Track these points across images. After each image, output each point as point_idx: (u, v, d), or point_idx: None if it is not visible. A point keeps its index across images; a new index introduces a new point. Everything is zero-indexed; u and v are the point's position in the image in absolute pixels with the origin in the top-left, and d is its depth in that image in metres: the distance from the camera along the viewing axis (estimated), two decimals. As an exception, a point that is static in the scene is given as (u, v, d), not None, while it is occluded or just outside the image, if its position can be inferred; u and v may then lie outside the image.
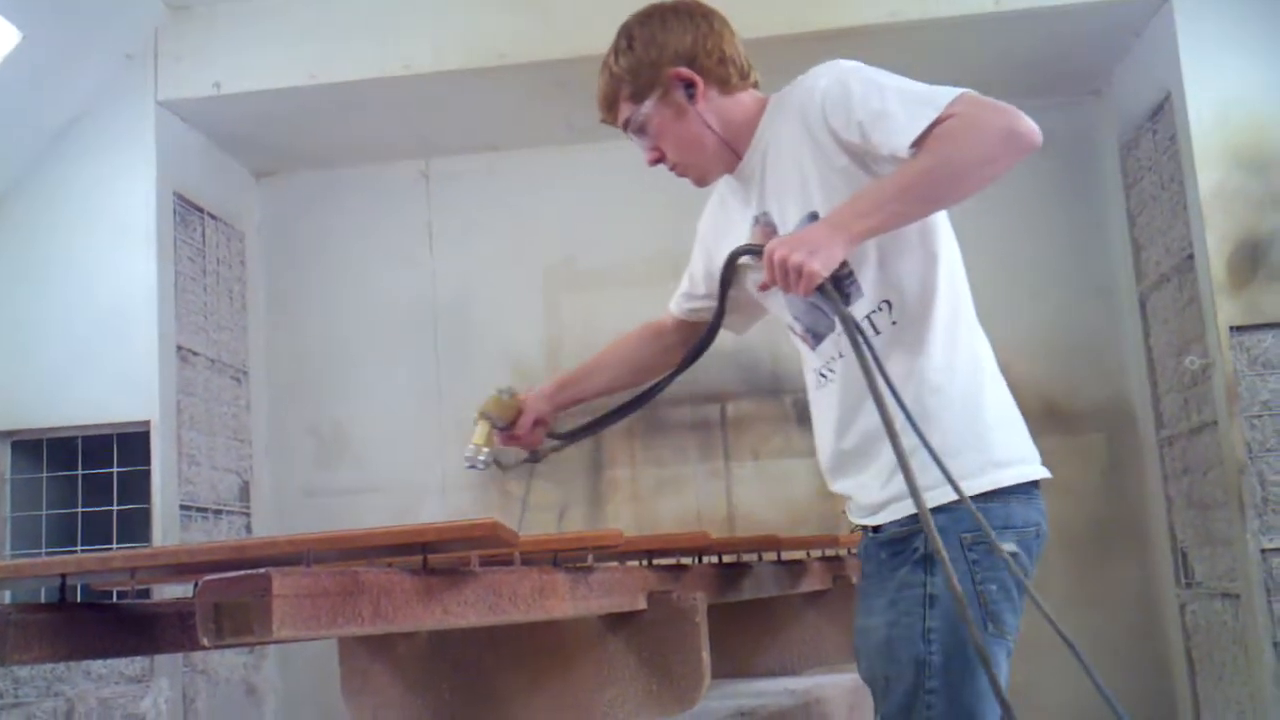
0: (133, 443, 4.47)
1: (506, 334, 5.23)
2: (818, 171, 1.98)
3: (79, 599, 2.16)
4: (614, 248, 5.21)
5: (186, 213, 4.83)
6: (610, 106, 2.17)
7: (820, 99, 1.96)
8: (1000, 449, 1.97)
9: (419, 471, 5.19)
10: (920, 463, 1.84)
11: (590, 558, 2.23)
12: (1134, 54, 4.69)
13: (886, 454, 1.91)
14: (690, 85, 2.08)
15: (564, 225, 5.27)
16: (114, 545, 4.48)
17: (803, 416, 5.19)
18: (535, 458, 2.49)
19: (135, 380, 4.42)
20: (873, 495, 2.00)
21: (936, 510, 1.83)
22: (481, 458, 2.34)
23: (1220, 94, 4.26)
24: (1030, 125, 1.84)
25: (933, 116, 1.83)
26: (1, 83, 4.18)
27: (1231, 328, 4.14)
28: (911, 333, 1.98)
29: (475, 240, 5.37)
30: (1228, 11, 4.30)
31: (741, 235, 2.12)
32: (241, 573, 1.55)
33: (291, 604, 1.56)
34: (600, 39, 4.45)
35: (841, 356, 2.03)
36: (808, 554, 3.23)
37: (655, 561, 2.63)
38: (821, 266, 1.79)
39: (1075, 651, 1.76)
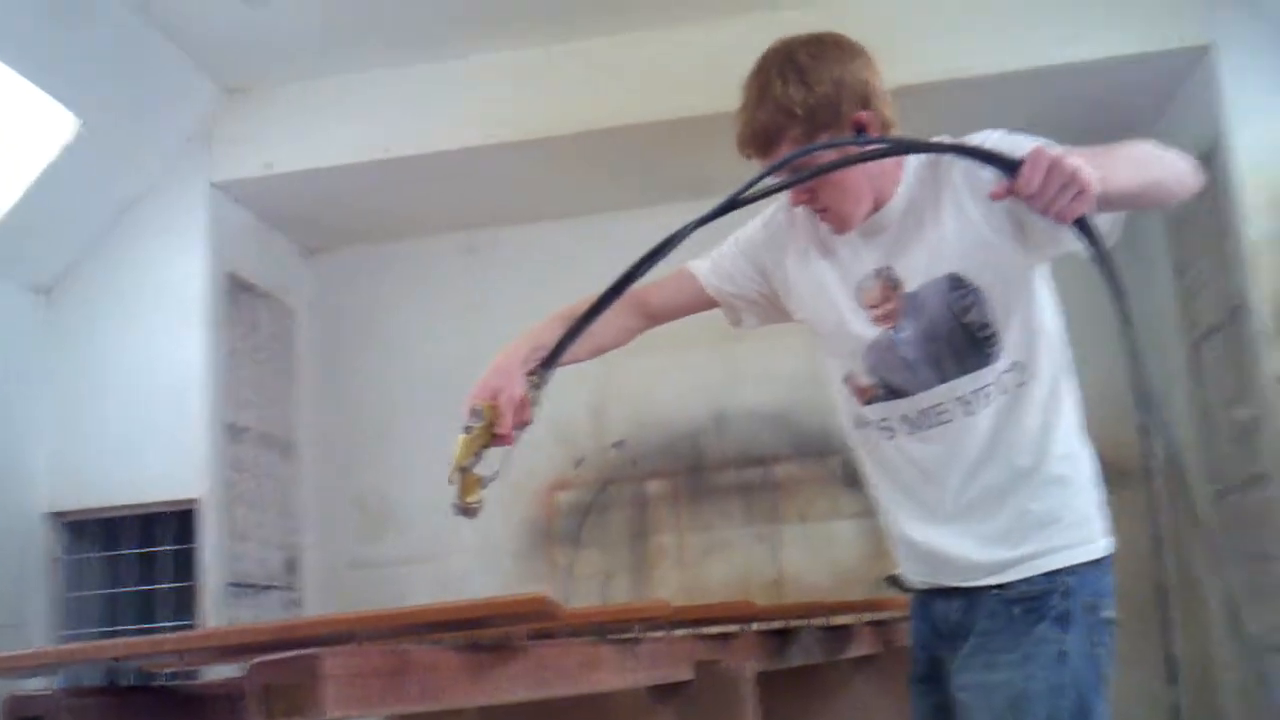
0: (182, 521, 4.52)
1: (550, 403, 5.22)
2: (960, 238, 1.94)
3: (130, 681, 2.18)
4: (662, 313, 5.23)
5: (238, 292, 4.91)
6: (771, 142, 1.97)
7: (993, 171, 1.85)
8: (1102, 518, 2.02)
9: (464, 542, 5.19)
10: (1058, 524, 1.94)
11: (637, 629, 2.23)
12: (1178, 104, 4.68)
13: (1006, 512, 1.96)
14: (863, 129, 1.95)
15: (608, 293, 5.30)
16: (163, 624, 4.51)
17: (850, 478, 5.22)
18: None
19: (185, 459, 4.48)
20: (995, 554, 1.97)
21: (1067, 572, 1.91)
22: (478, 505, 1.96)
23: (1266, 142, 4.23)
24: None
25: None
26: (60, 170, 4.29)
27: (1280, 379, 4.09)
28: (1040, 397, 1.98)
29: (523, 310, 5.34)
30: (1272, 60, 4.29)
31: (850, 286, 2.06)
32: (291, 653, 1.57)
33: (342, 684, 1.57)
34: (646, 109, 4.60)
35: (970, 403, 1.97)
36: (856, 618, 3.21)
37: (702, 630, 2.63)
38: (1096, 189, 1.64)
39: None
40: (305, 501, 5.31)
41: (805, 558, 5.00)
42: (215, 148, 4.77)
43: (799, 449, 5.09)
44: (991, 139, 1.88)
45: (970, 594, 2.01)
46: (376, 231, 5.47)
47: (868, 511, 4.78)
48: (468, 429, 1.95)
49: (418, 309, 5.51)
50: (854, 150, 1.92)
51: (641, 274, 1.93)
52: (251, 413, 4.91)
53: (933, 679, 2.09)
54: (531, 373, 2.04)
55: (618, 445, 5.22)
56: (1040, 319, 1.99)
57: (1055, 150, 1.66)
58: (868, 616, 3.21)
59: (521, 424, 2.02)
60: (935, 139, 1.90)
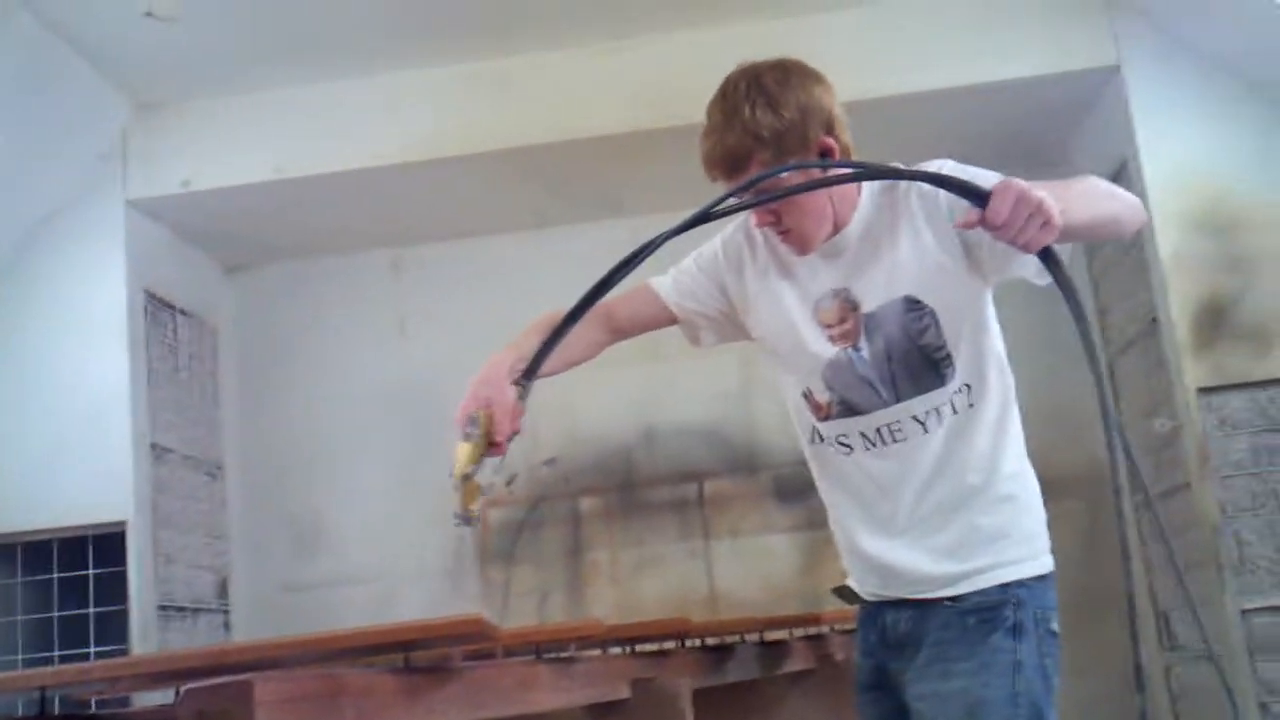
0: (108, 544, 4.43)
1: (480, 420, 5.21)
2: (917, 261, 2.00)
3: (57, 709, 2.13)
4: (585, 330, 5.24)
5: (157, 310, 4.83)
6: (738, 166, 1.99)
7: (945, 192, 1.94)
8: (1046, 535, 2.09)
9: (398, 560, 5.16)
10: (1007, 539, 2.01)
11: (573, 648, 2.23)
12: (1087, 125, 4.78)
13: (956, 527, 2.02)
14: (828, 154, 2.01)
15: (534, 308, 5.25)
16: (92, 648, 4.42)
17: (781, 493, 5.27)
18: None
19: (109, 481, 4.39)
20: (946, 568, 2.03)
21: (1018, 585, 1.99)
22: (479, 513, 1.98)
23: (1174, 160, 4.35)
24: None
25: None
26: (-29, 187, 4.20)
27: (1199, 389, 4.19)
28: (990, 418, 2.05)
29: (447, 327, 5.38)
30: (1178, 80, 4.40)
31: (808, 306, 2.10)
32: (223, 679, 1.55)
33: (274, 710, 1.55)
34: (561, 126, 4.61)
35: (925, 422, 2.03)
36: (790, 634, 3.23)
37: (638, 648, 2.63)
38: (1060, 221, 1.71)
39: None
40: (234, 523, 5.24)
41: (738, 573, 5.03)
42: (130, 164, 4.70)
43: (729, 465, 5.12)
44: (946, 168, 1.94)
45: (920, 605, 2.07)
46: (299, 248, 5.41)
47: (799, 526, 4.92)
48: (467, 436, 1.94)
49: (343, 326, 5.46)
50: (821, 174, 1.96)
51: (615, 283, 1.94)
52: (175, 434, 4.84)
53: (879, 687, 2.14)
54: (515, 383, 2.03)
55: (549, 462, 5.22)
56: (989, 342, 2.06)
57: (1021, 182, 1.71)
58: (801, 631, 3.23)
59: (513, 433, 2.02)
60: (892, 164, 1.94)
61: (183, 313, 5.05)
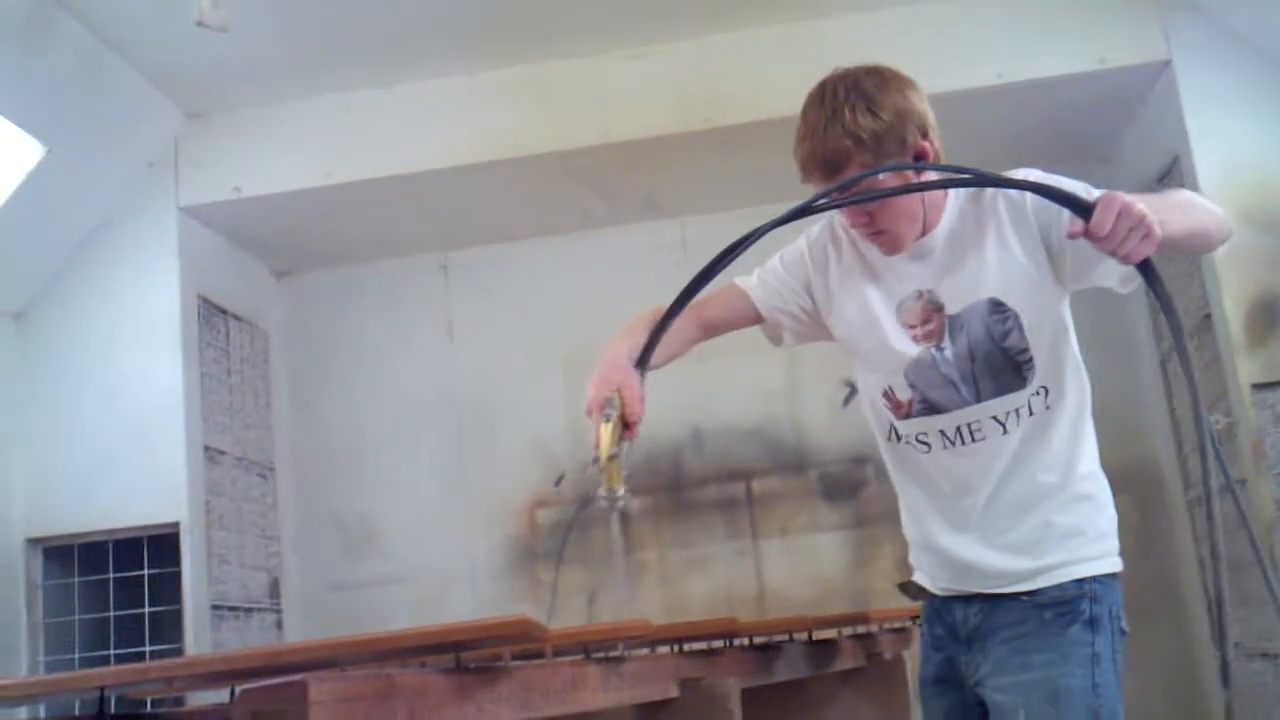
0: (163, 544, 4.49)
1: (529, 420, 5.25)
2: (1002, 265, 2.05)
3: (115, 709, 2.17)
4: (631, 331, 5.25)
5: (210, 314, 4.90)
6: (838, 168, 2.01)
7: (1031, 200, 2.01)
8: (1115, 537, 2.13)
9: (446, 560, 5.20)
10: (1082, 536, 2.06)
11: (621, 648, 2.24)
12: (1140, 120, 4.73)
13: (1029, 524, 2.07)
14: (923, 158, 2.04)
15: (581, 311, 5.29)
16: (147, 647, 4.49)
17: (829, 491, 5.26)
18: None
19: (164, 482, 4.45)
20: (1020, 564, 2.08)
21: (1094, 580, 2.05)
22: (624, 493, 1.99)
23: (1226, 155, 4.30)
24: None
25: None
26: (27, 196, 4.26)
27: (1253, 385, 4.14)
28: (1066, 420, 2.10)
29: (494, 330, 5.42)
30: (1230, 74, 4.35)
31: (892, 305, 2.15)
32: (278, 680, 1.57)
33: (329, 710, 1.57)
34: (605, 128, 4.62)
35: (1004, 422, 2.07)
36: (839, 632, 3.22)
37: (686, 647, 2.63)
38: (1160, 233, 1.75)
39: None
40: (286, 524, 5.29)
41: (787, 572, 5.02)
42: (182, 172, 4.76)
43: (777, 463, 5.11)
44: (1033, 178, 1.96)
45: (991, 599, 2.12)
46: (348, 253, 5.46)
47: (847, 524, 4.91)
48: (607, 418, 1.98)
49: (391, 329, 5.51)
50: (930, 177, 2.02)
51: (716, 274, 1.99)
52: (228, 436, 4.90)
53: (946, 680, 2.19)
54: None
55: (597, 462, 5.22)
56: (1067, 346, 2.10)
57: (1125, 195, 1.77)
58: (850, 630, 3.22)
59: (640, 416, 2.07)
60: (994, 173, 1.97)
61: (235, 318, 5.11)
